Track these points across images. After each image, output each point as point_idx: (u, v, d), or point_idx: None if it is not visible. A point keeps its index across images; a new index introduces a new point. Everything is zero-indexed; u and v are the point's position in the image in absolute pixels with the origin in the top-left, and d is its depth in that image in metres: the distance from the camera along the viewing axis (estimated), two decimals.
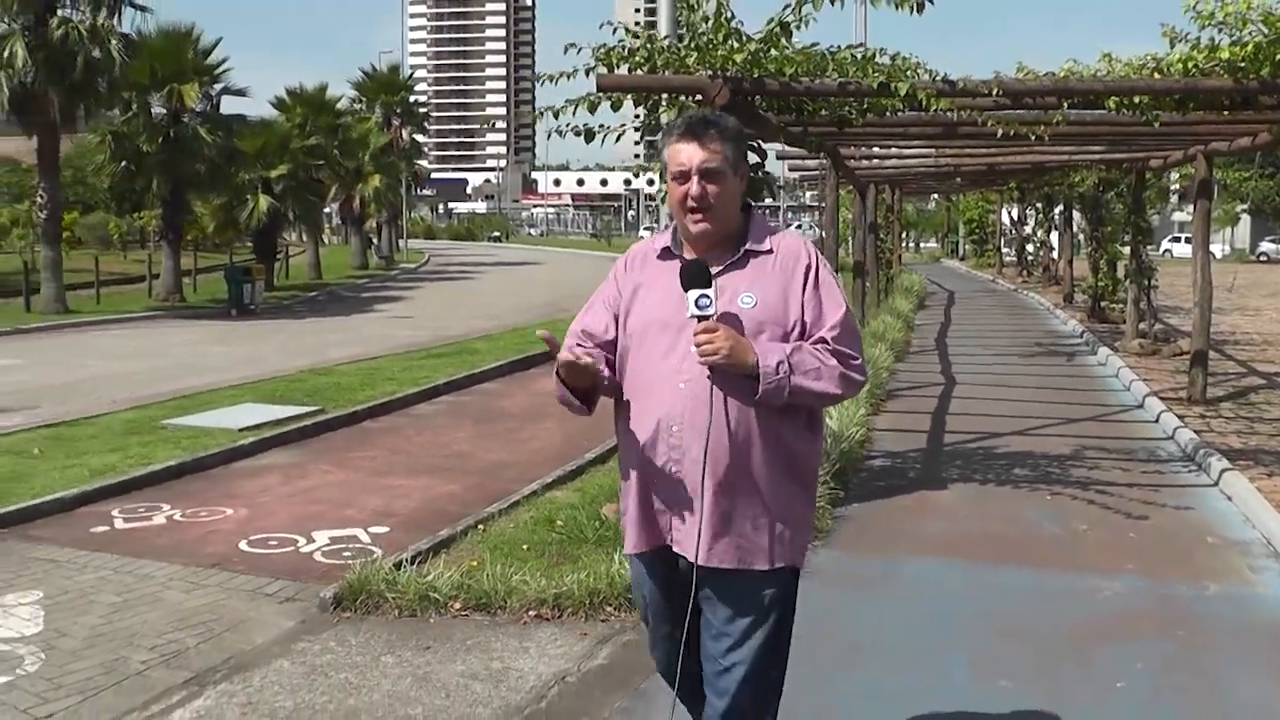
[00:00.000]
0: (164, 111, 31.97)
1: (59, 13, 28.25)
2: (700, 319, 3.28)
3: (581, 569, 6.52)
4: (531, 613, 6.21)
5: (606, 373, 3.51)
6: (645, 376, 3.45)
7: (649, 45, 7.95)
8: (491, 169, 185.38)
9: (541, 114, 8.18)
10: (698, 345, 3.27)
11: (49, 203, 29.11)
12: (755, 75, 7.83)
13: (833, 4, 7.47)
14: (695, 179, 3.38)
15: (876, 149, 15.67)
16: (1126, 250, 20.90)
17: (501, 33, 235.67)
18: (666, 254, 3.53)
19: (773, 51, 7.86)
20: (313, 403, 13.47)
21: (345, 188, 45.05)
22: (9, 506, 8.71)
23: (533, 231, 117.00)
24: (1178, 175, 26.76)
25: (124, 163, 31.98)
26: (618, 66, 7.99)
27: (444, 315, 28.37)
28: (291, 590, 6.91)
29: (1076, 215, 27.60)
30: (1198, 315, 13.87)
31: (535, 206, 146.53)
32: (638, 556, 3.65)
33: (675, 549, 3.51)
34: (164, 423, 12.42)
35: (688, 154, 3.40)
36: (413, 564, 6.80)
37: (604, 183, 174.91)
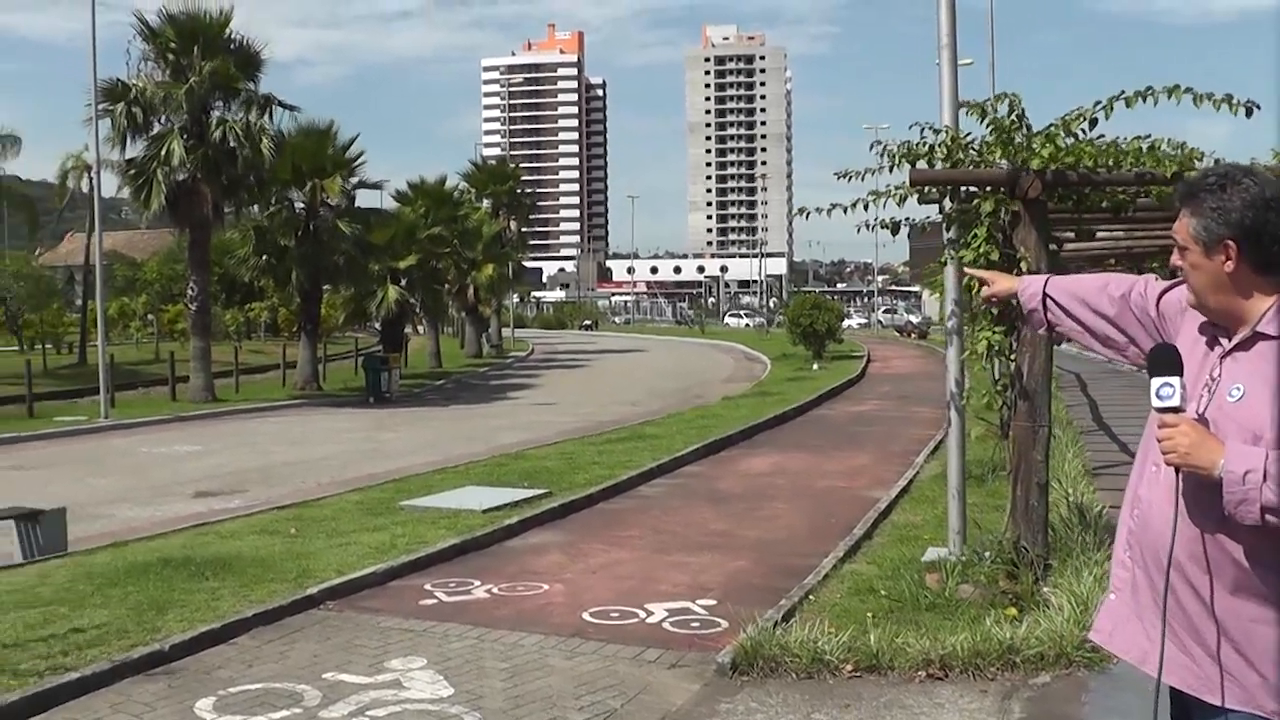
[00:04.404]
0: (304, 206, 33.16)
1: (213, 113, 29.64)
2: (1163, 410, 2.91)
3: (958, 631, 6.90)
4: (921, 673, 6.58)
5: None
6: (1147, 429, 3.09)
7: (950, 142, 8.49)
8: (566, 258, 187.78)
9: (850, 207, 8.71)
10: (1159, 440, 2.90)
11: (199, 295, 30.22)
12: (1055, 168, 8.31)
13: (1144, 101, 7.95)
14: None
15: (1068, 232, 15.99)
16: None
17: (574, 123, 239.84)
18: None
19: (1064, 142, 8.35)
20: (533, 486, 13.95)
21: (460, 277, 46.14)
22: (332, 581, 9.21)
23: (618, 320, 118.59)
24: None
25: (265, 256, 33.10)
26: (916, 162, 8.54)
27: (585, 402, 28.98)
28: (672, 657, 7.34)
29: None
30: None
31: (613, 294, 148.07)
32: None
33: (1124, 654, 3.15)
34: (400, 504, 12.93)
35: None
36: (776, 629, 7.21)
37: (677, 270, 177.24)
